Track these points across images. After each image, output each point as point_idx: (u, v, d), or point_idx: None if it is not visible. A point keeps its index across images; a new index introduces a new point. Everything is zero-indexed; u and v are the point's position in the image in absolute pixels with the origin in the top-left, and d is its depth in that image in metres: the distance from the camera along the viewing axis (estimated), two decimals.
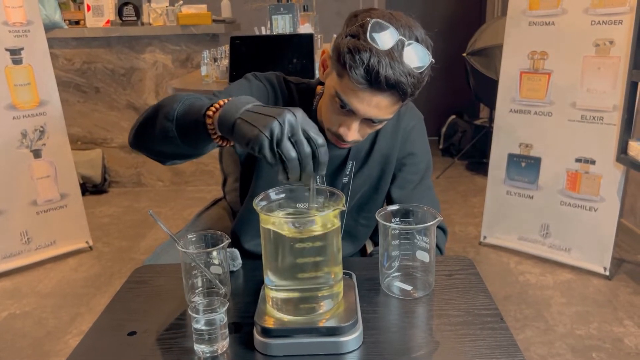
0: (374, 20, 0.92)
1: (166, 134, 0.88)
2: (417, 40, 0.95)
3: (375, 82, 0.92)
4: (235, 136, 0.77)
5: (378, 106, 0.97)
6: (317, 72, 2.33)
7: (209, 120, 0.82)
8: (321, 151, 0.75)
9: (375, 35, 0.91)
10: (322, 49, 1.13)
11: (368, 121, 1.01)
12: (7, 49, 2.52)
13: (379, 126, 1.06)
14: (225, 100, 0.83)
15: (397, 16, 0.96)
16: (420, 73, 0.94)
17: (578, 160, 2.47)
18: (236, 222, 1.28)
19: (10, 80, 2.54)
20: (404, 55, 0.92)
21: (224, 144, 0.85)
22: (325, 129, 1.07)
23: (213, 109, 0.82)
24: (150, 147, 0.96)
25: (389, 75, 0.91)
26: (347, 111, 0.99)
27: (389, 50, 0.91)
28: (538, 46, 2.52)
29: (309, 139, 0.74)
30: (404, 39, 0.93)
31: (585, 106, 2.41)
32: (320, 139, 0.75)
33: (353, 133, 1.02)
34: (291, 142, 0.73)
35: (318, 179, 1.17)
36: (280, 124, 0.73)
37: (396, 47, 0.92)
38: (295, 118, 0.74)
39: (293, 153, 0.73)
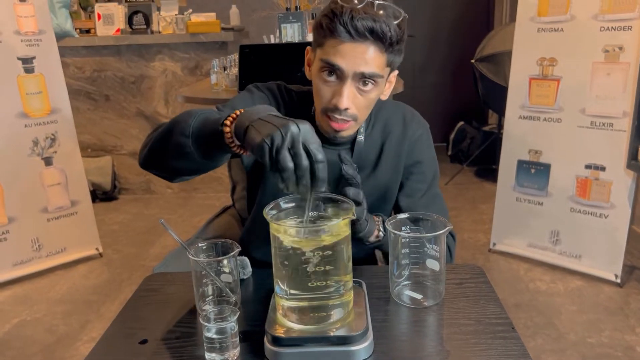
0: None
1: (182, 150, 0.89)
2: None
3: (354, 30, 0.97)
4: (245, 142, 0.79)
5: (363, 57, 0.99)
6: None
7: (226, 129, 0.83)
8: (319, 167, 0.75)
9: None
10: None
11: (357, 84, 1.02)
12: (19, 58, 2.55)
13: (372, 93, 1.05)
14: (242, 110, 0.84)
15: None
16: (398, 25, 0.99)
17: (588, 166, 2.46)
18: (244, 231, 1.29)
19: (22, 89, 2.57)
20: (375, 9, 0.97)
21: (242, 152, 0.86)
22: (320, 112, 1.08)
23: (230, 119, 0.84)
24: (163, 164, 0.98)
25: (366, 22, 0.96)
26: (335, 78, 1.02)
27: (362, 6, 0.97)
28: (547, 52, 2.51)
29: (308, 153, 0.75)
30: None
31: (595, 112, 2.40)
32: (319, 155, 0.75)
33: (345, 99, 1.02)
34: (290, 154, 0.74)
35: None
36: (282, 134, 0.74)
37: (367, 5, 0.98)
38: (298, 131, 0.75)
39: (290, 164, 0.74)
